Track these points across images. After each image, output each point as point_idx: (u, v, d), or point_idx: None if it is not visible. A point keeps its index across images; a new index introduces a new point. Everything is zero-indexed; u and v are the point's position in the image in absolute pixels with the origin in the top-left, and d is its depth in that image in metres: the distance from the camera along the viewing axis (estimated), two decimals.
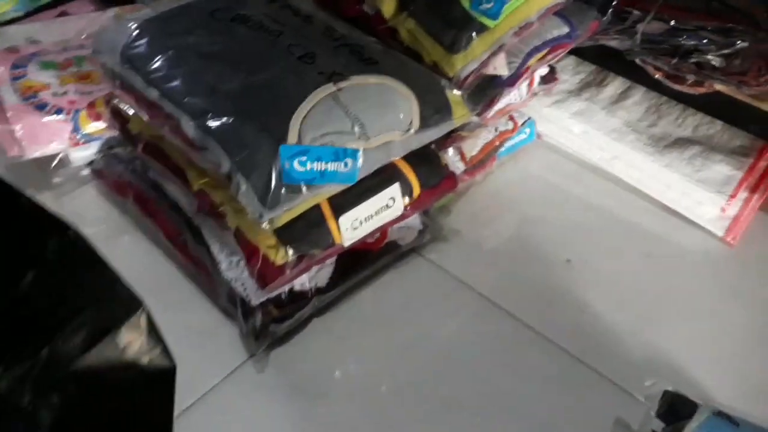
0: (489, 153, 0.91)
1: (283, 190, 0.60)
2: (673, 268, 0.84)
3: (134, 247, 0.82)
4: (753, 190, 0.88)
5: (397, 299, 0.79)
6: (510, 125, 0.94)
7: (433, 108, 0.71)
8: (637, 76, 0.94)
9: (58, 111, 0.87)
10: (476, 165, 0.90)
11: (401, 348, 0.74)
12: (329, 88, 0.65)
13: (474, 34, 0.73)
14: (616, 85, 1.00)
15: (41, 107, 0.87)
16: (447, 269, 0.82)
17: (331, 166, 0.63)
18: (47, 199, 0.87)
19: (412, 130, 0.69)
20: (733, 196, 0.86)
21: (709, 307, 0.80)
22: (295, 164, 0.61)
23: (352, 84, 0.67)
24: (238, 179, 0.60)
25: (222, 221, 0.68)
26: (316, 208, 0.67)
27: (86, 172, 0.89)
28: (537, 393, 0.71)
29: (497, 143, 0.92)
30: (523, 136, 0.97)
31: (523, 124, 0.96)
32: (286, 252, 0.65)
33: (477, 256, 0.85)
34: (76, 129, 0.87)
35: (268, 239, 0.65)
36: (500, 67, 0.80)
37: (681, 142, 0.92)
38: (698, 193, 0.87)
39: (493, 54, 0.76)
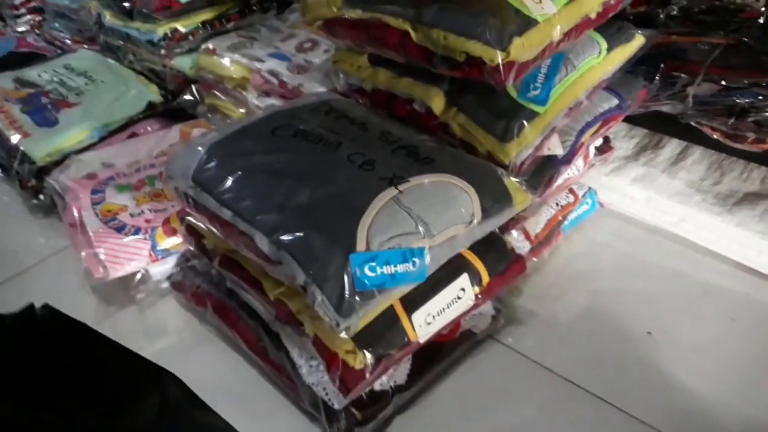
0: (553, 228, 0.91)
1: (356, 298, 0.62)
2: (761, 330, 0.81)
3: (216, 355, 0.85)
4: None
5: (476, 388, 0.78)
6: (571, 198, 0.94)
7: (493, 198, 0.72)
8: (693, 136, 0.93)
9: (136, 231, 0.92)
10: (542, 242, 0.90)
11: None
12: (391, 192, 0.67)
13: (525, 121, 0.74)
14: (672, 145, 0.99)
15: (120, 229, 0.93)
16: (523, 353, 0.81)
17: (401, 268, 0.64)
18: (131, 314, 0.91)
19: (474, 222, 0.70)
20: None
21: None
22: (366, 271, 0.62)
23: (412, 185, 0.69)
24: (313, 290, 0.62)
25: (300, 328, 0.70)
26: (389, 308, 0.68)
27: (165, 285, 0.93)
28: None
29: (560, 218, 0.93)
30: (585, 207, 0.97)
31: (584, 195, 0.96)
32: (364, 356, 0.66)
33: (553, 335, 0.84)
34: (153, 246, 0.92)
35: (345, 344, 0.66)
36: (554, 147, 0.81)
37: (750, 198, 0.90)
38: None
39: (546, 137, 0.77)
